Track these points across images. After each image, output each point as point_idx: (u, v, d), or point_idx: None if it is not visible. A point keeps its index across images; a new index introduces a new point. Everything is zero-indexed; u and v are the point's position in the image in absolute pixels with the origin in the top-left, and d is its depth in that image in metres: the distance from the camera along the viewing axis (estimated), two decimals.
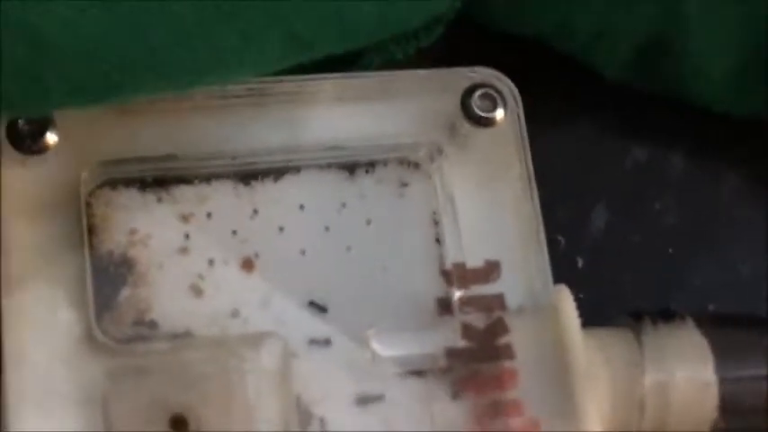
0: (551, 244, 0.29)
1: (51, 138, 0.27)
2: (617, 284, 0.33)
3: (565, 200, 0.33)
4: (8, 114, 0.26)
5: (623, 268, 0.34)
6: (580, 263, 0.33)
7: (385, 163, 0.29)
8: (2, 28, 0.23)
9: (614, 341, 0.29)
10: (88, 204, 0.28)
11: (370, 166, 0.29)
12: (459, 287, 0.28)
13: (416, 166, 0.29)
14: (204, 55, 0.25)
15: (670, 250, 0.34)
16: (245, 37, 0.26)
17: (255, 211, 0.28)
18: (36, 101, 0.24)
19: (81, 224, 0.27)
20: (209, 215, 0.28)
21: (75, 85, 0.24)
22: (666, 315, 0.29)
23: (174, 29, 0.25)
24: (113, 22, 0.24)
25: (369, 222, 0.29)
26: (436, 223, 0.29)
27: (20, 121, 0.27)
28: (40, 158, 0.27)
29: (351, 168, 0.29)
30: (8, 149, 0.27)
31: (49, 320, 0.27)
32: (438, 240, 0.29)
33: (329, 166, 0.29)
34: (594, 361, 0.28)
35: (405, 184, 0.29)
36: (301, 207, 0.28)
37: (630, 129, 0.35)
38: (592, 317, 0.29)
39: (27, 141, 0.27)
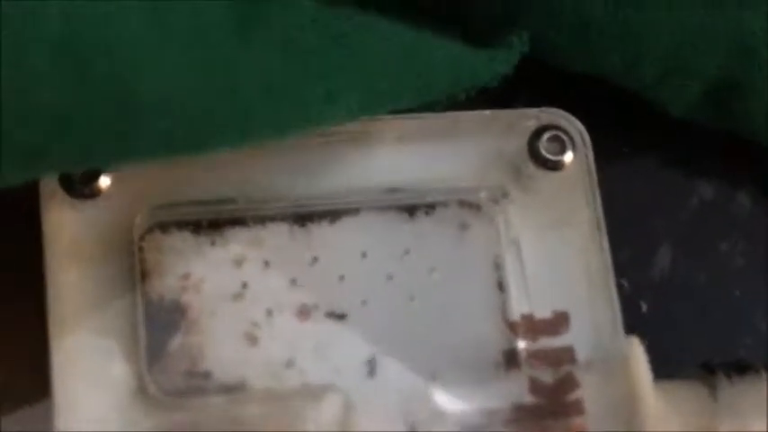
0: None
1: (104, 182, 0.26)
2: (682, 329, 0.32)
3: (628, 241, 0.32)
4: (87, 169, 0.26)
5: (689, 312, 0.32)
6: (644, 307, 0.32)
7: (445, 204, 0.28)
8: (91, 82, 0.22)
9: (687, 397, 0.28)
10: (140, 249, 0.27)
11: (430, 207, 0.28)
12: (526, 339, 0.27)
13: (478, 208, 0.28)
14: (289, 111, 0.25)
15: (737, 293, 0.33)
16: (329, 94, 0.25)
17: (315, 259, 0.27)
18: (118, 157, 0.24)
19: (133, 269, 0.26)
20: (266, 263, 0.27)
21: (160, 141, 0.23)
22: (741, 368, 0.28)
23: (263, 84, 0.24)
24: (205, 76, 0.23)
25: (431, 270, 0.27)
26: (498, 267, 0.28)
27: None
28: (93, 202, 0.26)
29: (410, 210, 0.28)
30: (60, 194, 0.26)
31: (99, 371, 0.26)
32: (500, 286, 0.28)
33: (388, 208, 0.28)
34: (667, 418, 0.27)
35: (465, 227, 0.28)
36: (363, 255, 0.27)
37: (696, 166, 0.33)
38: (657, 363, 0.28)
39: (79, 186, 0.26)
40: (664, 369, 0.28)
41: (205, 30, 0.24)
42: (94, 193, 0.26)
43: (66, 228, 0.26)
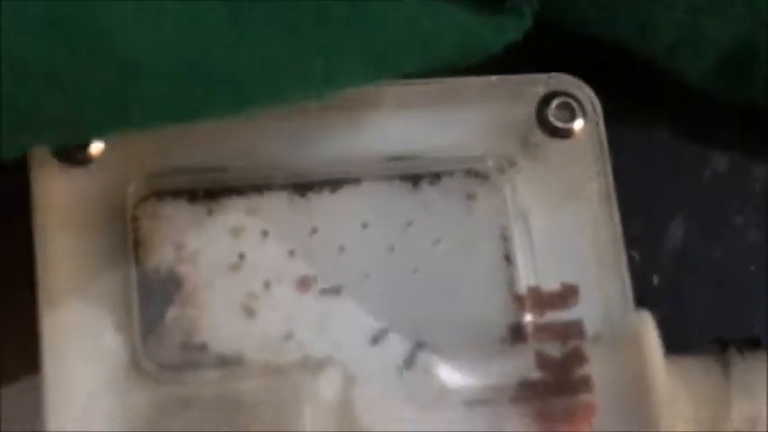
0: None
1: (97, 147, 0.25)
2: (695, 304, 0.31)
3: (639, 213, 0.31)
4: (77, 140, 0.25)
5: (702, 287, 0.31)
6: (656, 280, 0.31)
7: (451, 174, 0.27)
8: (92, 47, 0.22)
9: (699, 373, 0.27)
10: (134, 218, 0.26)
11: (435, 177, 0.27)
12: (534, 313, 0.26)
13: (485, 177, 0.27)
14: (287, 78, 0.24)
15: (752, 268, 0.32)
16: (328, 60, 0.24)
17: (315, 229, 0.26)
18: (112, 121, 0.23)
19: (126, 239, 0.25)
20: (264, 233, 0.26)
21: (157, 109, 0.23)
22: (754, 343, 0.27)
23: (259, 52, 0.24)
24: (201, 45, 0.23)
25: (436, 242, 0.27)
26: (506, 239, 0.27)
27: None
28: (85, 169, 0.25)
29: (414, 180, 0.27)
30: (51, 160, 0.25)
31: (91, 344, 0.25)
32: (507, 258, 0.27)
33: (391, 177, 0.27)
34: (678, 395, 0.26)
35: (472, 197, 0.27)
36: (364, 225, 0.26)
37: (710, 137, 0.32)
38: (668, 338, 0.27)
39: (71, 152, 0.25)
40: (675, 344, 0.27)
41: (197, 4, 0.23)
42: (87, 159, 0.25)
43: (57, 196, 0.25)
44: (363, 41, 0.25)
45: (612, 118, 0.28)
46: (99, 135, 0.25)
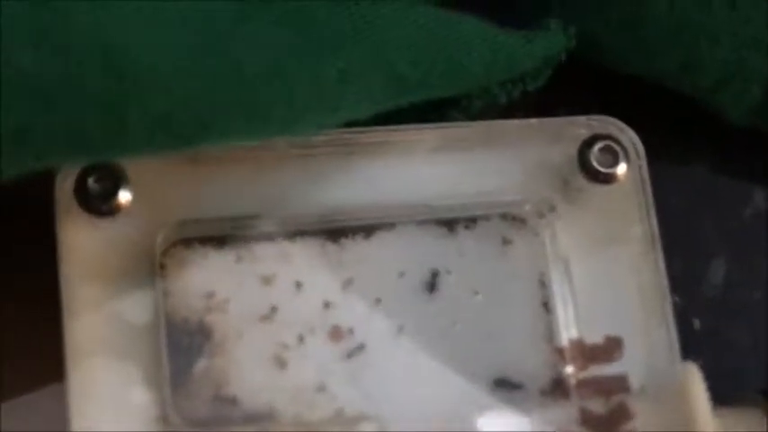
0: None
1: (124, 196, 0.24)
2: (737, 348, 0.30)
3: (679, 254, 0.30)
4: (79, 160, 0.23)
5: (744, 330, 0.31)
6: (697, 324, 0.30)
7: (487, 218, 0.26)
8: (85, 52, 0.20)
9: (745, 426, 0.26)
10: (162, 266, 0.25)
11: (471, 221, 0.26)
12: (576, 366, 0.25)
13: (522, 222, 0.26)
14: (300, 91, 0.23)
15: None
16: (345, 74, 0.23)
17: (350, 280, 0.25)
18: (111, 142, 0.21)
19: (155, 288, 0.25)
20: (298, 284, 0.25)
21: (161, 122, 0.21)
22: None
23: (271, 60, 0.22)
24: (205, 50, 0.22)
25: (475, 293, 0.26)
26: (544, 286, 0.26)
27: (90, 179, 0.24)
28: (112, 219, 0.24)
29: (450, 225, 0.26)
30: (77, 210, 0.24)
31: (119, 399, 0.24)
32: (546, 306, 0.26)
33: (426, 222, 0.26)
34: None
35: (508, 242, 0.26)
36: (401, 275, 0.26)
37: (751, 174, 0.32)
38: (710, 384, 0.26)
39: (98, 202, 0.24)
40: (716, 389, 0.26)
41: (199, 4, 0.22)
42: (114, 209, 0.24)
43: (84, 246, 0.24)
44: (381, 47, 0.24)
45: (650, 155, 0.27)
46: (97, 155, 0.23)
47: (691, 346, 0.26)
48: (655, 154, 0.28)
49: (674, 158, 0.31)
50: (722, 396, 0.27)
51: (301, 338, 0.25)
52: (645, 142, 0.27)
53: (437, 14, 0.25)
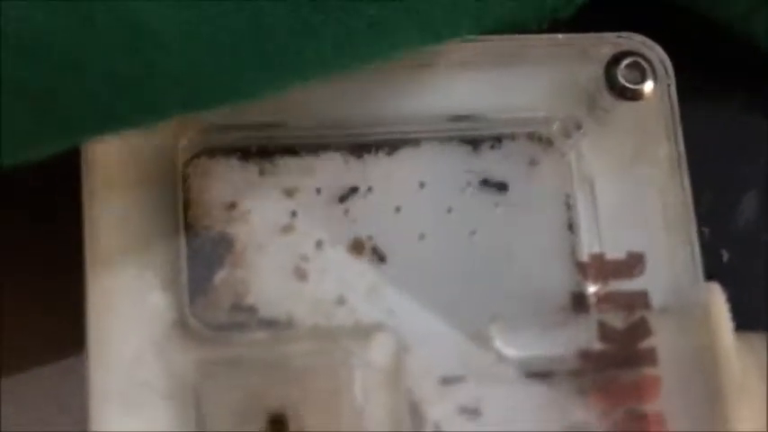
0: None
1: None
2: (766, 282, 0.30)
3: (710, 186, 0.30)
4: (102, 133, 0.23)
5: None
6: (725, 256, 0.30)
7: (513, 137, 0.26)
8: (110, 25, 0.20)
9: None
10: (184, 176, 0.25)
11: (497, 140, 0.26)
12: (597, 281, 0.25)
13: (549, 142, 0.26)
14: (330, 47, 0.23)
15: None
16: (373, 23, 0.23)
17: (370, 189, 0.25)
18: (139, 108, 0.22)
19: (176, 198, 0.25)
20: (318, 191, 0.25)
21: (190, 91, 0.21)
22: None
23: (294, 18, 0.22)
24: (229, 17, 0.22)
25: (496, 205, 0.25)
26: (570, 207, 0.26)
27: None
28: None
29: (475, 143, 0.26)
30: None
31: (138, 305, 0.24)
32: (571, 227, 0.26)
33: (450, 139, 0.26)
34: (749, 373, 0.25)
35: (535, 163, 0.26)
36: (421, 185, 0.25)
37: None
38: (737, 317, 0.25)
39: None
40: (745, 323, 0.26)
41: None
42: None
43: (106, 153, 0.24)
44: (412, 12, 0.24)
45: (685, 88, 0.27)
46: (123, 125, 0.23)
47: (718, 279, 0.26)
48: (690, 88, 0.27)
49: (708, 93, 0.31)
50: (750, 327, 0.26)
51: (319, 245, 0.25)
52: (680, 74, 0.27)
53: None
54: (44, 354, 0.27)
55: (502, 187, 0.26)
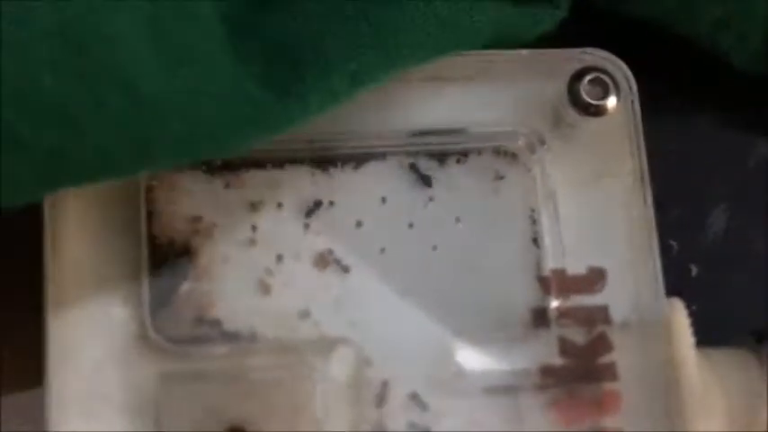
0: (662, 249, 0.26)
1: None
2: (735, 297, 0.30)
3: (679, 200, 0.30)
4: (106, 180, 0.23)
5: (742, 278, 0.30)
6: (694, 271, 0.30)
7: (479, 152, 0.26)
8: (93, 71, 0.21)
9: (733, 365, 0.26)
10: (149, 188, 0.25)
11: (463, 155, 0.26)
12: (558, 296, 0.25)
13: (514, 156, 0.26)
14: (314, 98, 0.24)
15: None
16: (355, 74, 0.24)
17: (332, 203, 0.25)
18: (141, 162, 0.22)
19: (140, 209, 0.25)
20: (279, 205, 0.25)
21: (183, 142, 0.22)
22: None
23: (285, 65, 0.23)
24: (213, 71, 0.22)
25: (458, 220, 0.25)
26: (534, 222, 0.26)
27: None
28: None
29: (440, 158, 0.26)
30: None
31: (99, 315, 0.24)
32: (535, 241, 0.26)
33: (417, 153, 0.26)
34: (710, 387, 0.25)
35: (500, 177, 0.26)
36: (383, 200, 0.25)
37: (756, 123, 0.31)
38: (705, 333, 0.26)
39: None
40: (712, 338, 0.26)
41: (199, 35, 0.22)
42: None
43: None
44: (391, 45, 0.24)
45: (652, 102, 0.27)
46: (130, 173, 0.23)
47: (687, 293, 0.26)
48: (658, 103, 0.28)
49: (677, 107, 0.31)
50: (718, 341, 0.26)
51: (281, 259, 0.25)
52: (647, 90, 0.27)
53: (452, 5, 0.25)
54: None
55: (426, 181, 0.26)
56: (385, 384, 0.24)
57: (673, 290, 0.26)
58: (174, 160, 0.22)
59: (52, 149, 0.21)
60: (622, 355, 0.25)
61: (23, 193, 0.22)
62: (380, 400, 0.24)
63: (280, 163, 0.26)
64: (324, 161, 0.26)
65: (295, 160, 0.26)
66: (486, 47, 0.26)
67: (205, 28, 0.22)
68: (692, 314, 0.25)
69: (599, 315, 0.25)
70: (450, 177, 0.26)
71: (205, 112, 0.22)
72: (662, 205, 0.27)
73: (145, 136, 0.21)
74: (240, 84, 0.22)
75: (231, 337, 0.24)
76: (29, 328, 0.25)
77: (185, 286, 0.25)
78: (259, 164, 0.25)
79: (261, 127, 0.23)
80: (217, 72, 0.22)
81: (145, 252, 0.24)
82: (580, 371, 0.24)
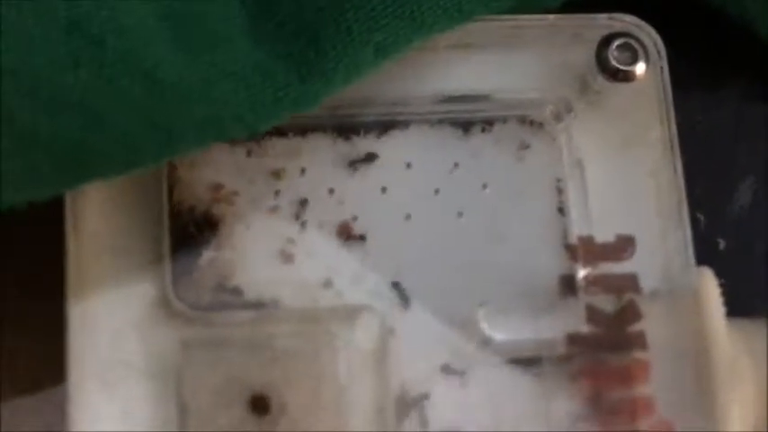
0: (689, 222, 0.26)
1: None
2: (762, 269, 0.29)
3: (706, 172, 0.29)
4: (130, 172, 0.23)
5: None
6: (722, 244, 0.30)
7: (504, 121, 0.26)
8: (110, 62, 0.21)
9: (762, 336, 0.25)
10: None
11: (488, 123, 0.26)
12: (586, 264, 0.25)
13: (540, 125, 0.26)
14: (339, 72, 0.23)
15: None
16: (378, 49, 0.23)
17: (356, 168, 0.25)
18: (164, 150, 0.22)
19: (161, 178, 0.24)
20: (302, 170, 0.25)
21: (206, 125, 0.22)
22: None
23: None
24: (230, 58, 0.22)
25: (484, 186, 0.25)
26: (560, 191, 0.25)
27: None
28: None
29: (465, 126, 0.26)
30: None
31: (120, 283, 0.24)
32: (561, 210, 0.25)
33: (441, 121, 0.26)
34: (738, 356, 0.24)
35: (525, 146, 0.26)
36: (408, 166, 0.25)
37: None
38: (733, 305, 0.25)
39: None
40: (739, 310, 0.26)
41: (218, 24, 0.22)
42: None
43: None
44: (414, 14, 0.24)
45: (681, 73, 0.27)
46: (154, 161, 0.23)
47: (714, 266, 0.26)
48: (686, 75, 0.27)
49: (705, 80, 0.31)
50: (745, 314, 0.26)
51: (307, 232, 0.24)
52: (675, 59, 0.26)
53: None
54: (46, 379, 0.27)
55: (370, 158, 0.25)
56: (409, 353, 0.24)
57: (700, 263, 0.25)
58: (199, 145, 0.22)
59: (74, 143, 0.21)
60: (652, 325, 0.24)
61: (47, 188, 0.22)
62: (404, 369, 0.24)
63: (302, 131, 0.25)
64: (347, 129, 0.25)
65: (317, 128, 0.25)
66: (511, 11, 0.25)
67: (223, 10, 0.22)
68: (720, 287, 0.25)
69: (628, 283, 0.24)
70: (474, 147, 0.26)
71: (228, 95, 0.22)
72: (689, 178, 0.26)
73: (168, 123, 0.21)
74: (262, 64, 0.22)
75: (253, 305, 0.24)
76: (27, 329, 0.25)
77: (207, 254, 0.24)
78: (281, 132, 0.25)
79: (285, 105, 0.23)
80: (238, 54, 0.22)
81: (167, 221, 0.24)
82: (608, 340, 0.24)
